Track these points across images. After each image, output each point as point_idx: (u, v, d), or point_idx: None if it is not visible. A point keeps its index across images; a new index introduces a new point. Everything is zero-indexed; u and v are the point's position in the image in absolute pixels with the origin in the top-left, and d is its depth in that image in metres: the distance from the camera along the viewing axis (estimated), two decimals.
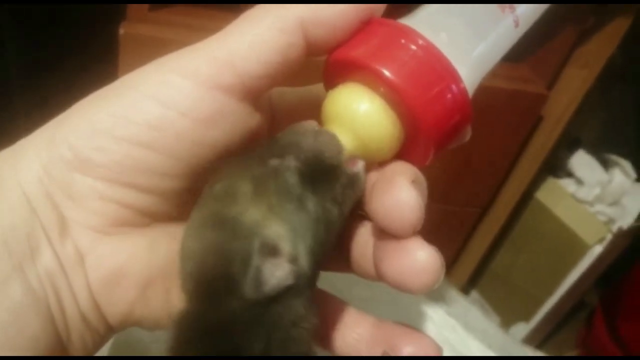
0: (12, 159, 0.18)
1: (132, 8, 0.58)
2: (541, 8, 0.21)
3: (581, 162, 0.98)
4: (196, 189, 0.19)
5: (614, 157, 0.97)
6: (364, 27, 0.19)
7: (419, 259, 0.18)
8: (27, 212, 0.17)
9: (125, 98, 0.18)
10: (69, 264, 0.17)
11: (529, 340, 1.03)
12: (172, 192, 0.19)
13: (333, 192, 0.19)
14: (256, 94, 0.19)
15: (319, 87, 0.22)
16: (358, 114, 0.19)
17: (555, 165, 0.98)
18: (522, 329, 1.02)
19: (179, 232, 0.19)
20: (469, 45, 0.20)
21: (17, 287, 0.16)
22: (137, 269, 0.19)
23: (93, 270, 0.18)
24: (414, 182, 0.18)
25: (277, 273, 0.16)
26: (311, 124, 0.19)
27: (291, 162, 0.18)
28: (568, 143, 0.97)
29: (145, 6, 0.58)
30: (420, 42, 0.18)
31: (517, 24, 0.20)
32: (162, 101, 0.17)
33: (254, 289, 0.16)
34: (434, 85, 0.18)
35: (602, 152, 0.98)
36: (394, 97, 0.18)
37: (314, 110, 0.21)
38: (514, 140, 0.77)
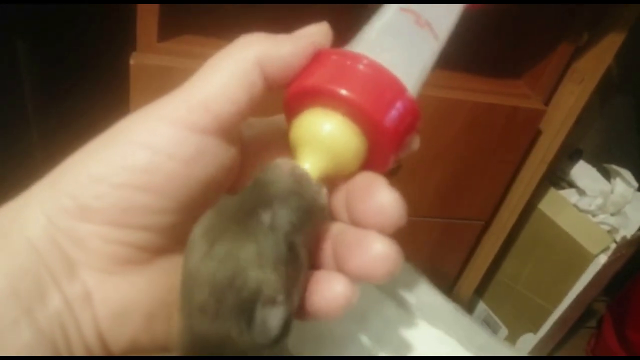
0: (16, 211, 0.19)
1: (142, 39, 0.60)
2: (451, 19, 0.26)
3: (583, 172, 0.99)
4: (188, 222, 0.21)
5: (615, 167, 0.98)
6: (314, 58, 0.22)
7: (377, 250, 0.20)
8: (35, 258, 0.18)
9: (117, 147, 0.19)
10: (77, 303, 0.19)
11: (538, 350, 1.03)
12: (167, 228, 0.20)
13: (313, 230, 0.21)
14: (229, 130, 0.21)
15: (280, 117, 0.25)
16: (326, 134, 0.21)
17: (557, 177, 0.99)
18: (531, 339, 1.02)
19: (176, 264, 0.21)
20: (407, 61, 0.23)
21: (26, 330, 0.17)
22: (142, 303, 0.20)
23: (101, 308, 0.19)
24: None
25: (277, 319, 0.18)
26: (287, 162, 0.21)
27: (283, 218, 0.20)
28: (569, 154, 0.98)
29: (155, 37, 0.60)
30: (366, 62, 0.21)
31: (436, 37, 0.25)
32: (150, 147, 0.19)
33: (263, 334, 0.18)
34: (385, 96, 0.21)
35: (603, 162, 0.99)
36: (354, 112, 0.21)
37: (278, 136, 0.24)
38: (514, 154, 0.79)
